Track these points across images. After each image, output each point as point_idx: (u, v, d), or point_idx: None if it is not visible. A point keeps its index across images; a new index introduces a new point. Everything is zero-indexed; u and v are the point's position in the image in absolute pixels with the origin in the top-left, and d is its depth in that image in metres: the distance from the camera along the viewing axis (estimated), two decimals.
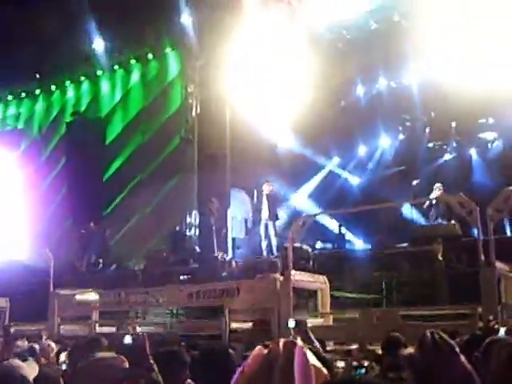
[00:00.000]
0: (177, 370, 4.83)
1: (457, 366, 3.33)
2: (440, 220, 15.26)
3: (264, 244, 15.76)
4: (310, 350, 2.80)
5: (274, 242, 15.62)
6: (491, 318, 6.46)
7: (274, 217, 15.97)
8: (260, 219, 16.07)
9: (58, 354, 7.43)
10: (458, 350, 3.42)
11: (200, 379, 4.69)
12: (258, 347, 2.55)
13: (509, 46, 14.76)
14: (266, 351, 2.52)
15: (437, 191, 15.43)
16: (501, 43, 14.78)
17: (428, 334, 3.51)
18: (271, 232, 15.78)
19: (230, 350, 4.91)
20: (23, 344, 8.83)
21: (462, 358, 3.37)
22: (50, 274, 12.51)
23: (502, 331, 5.95)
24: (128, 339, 5.39)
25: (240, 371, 2.50)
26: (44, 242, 16.96)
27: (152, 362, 4.81)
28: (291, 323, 7.74)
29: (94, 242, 18.79)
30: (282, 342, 2.53)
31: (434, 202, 15.41)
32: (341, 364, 6.21)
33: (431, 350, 3.44)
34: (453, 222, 14.02)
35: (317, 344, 6.72)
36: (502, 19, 14.74)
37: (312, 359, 2.60)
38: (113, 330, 10.23)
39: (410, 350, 4.90)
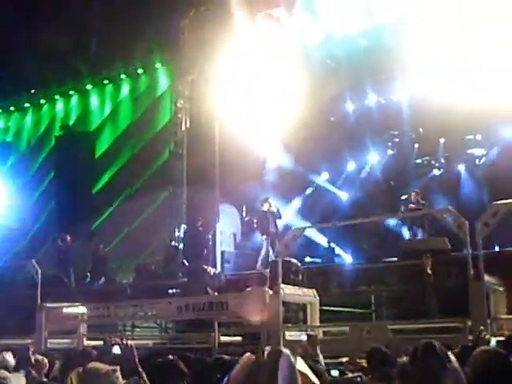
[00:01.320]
0: (174, 380, 4.82)
1: (448, 376, 3.32)
2: (415, 228, 15.48)
3: (260, 258, 15.83)
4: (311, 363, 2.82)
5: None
6: (482, 328, 6.46)
7: (275, 232, 16.09)
8: (249, 233, 16.14)
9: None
10: (451, 360, 3.40)
11: None
12: (246, 355, 2.57)
13: (495, 63, 14.93)
14: (252, 359, 2.54)
15: (412, 197, 15.73)
16: (488, 60, 14.94)
17: (422, 345, 3.51)
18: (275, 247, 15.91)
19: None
20: (9, 357, 8.72)
21: (455, 367, 3.35)
22: (36, 287, 12.39)
23: (494, 342, 5.96)
24: (117, 349, 5.39)
25: (227, 378, 2.52)
26: (31, 254, 16.85)
27: (141, 370, 4.82)
28: (303, 337, 7.78)
29: (74, 255, 18.68)
30: (267, 350, 2.55)
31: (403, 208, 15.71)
32: (335, 373, 6.22)
33: (424, 361, 3.43)
34: (420, 232, 14.33)
35: (321, 357, 6.78)
36: (487, 39, 14.93)
37: (302, 367, 2.61)
38: (101, 343, 10.15)
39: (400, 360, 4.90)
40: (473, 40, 14.99)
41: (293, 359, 2.52)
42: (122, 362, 5.00)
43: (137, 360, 4.96)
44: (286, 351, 2.56)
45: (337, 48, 18.15)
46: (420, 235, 15.49)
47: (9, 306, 14.12)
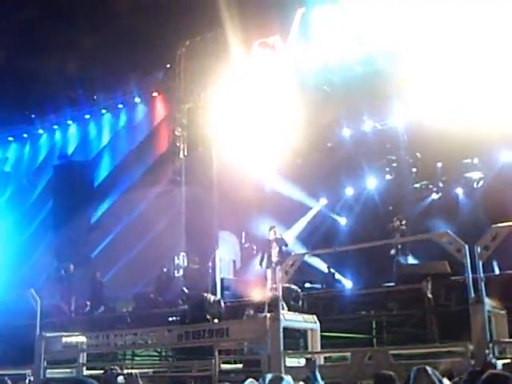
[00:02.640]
0: None
1: None
2: (400, 255, 15.55)
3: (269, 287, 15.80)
4: None
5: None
6: (488, 352, 6.41)
7: (282, 261, 16.06)
8: (249, 260, 16.12)
9: None
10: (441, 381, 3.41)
11: None
12: (248, 380, 2.60)
13: (492, 86, 15.05)
14: None
15: (396, 222, 15.84)
16: (484, 84, 15.06)
17: (415, 370, 3.52)
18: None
19: None
20: None
21: None
22: (35, 317, 12.30)
23: (499, 365, 5.94)
24: (121, 379, 5.37)
25: None
26: (30, 284, 16.77)
27: None
28: (302, 361, 7.72)
29: (76, 284, 18.61)
30: (268, 376, 2.59)
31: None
32: None
33: None
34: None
35: (320, 381, 6.76)
36: (483, 61, 15.07)
37: None
38: (101, 372, 10.06)
39: None
40: (469, 64, 15.12)
41: None
42: None
43: None
44: (287, 377, 2.59)
45: (333, 74, 18.28)
46: (405, 261, 15.60)
47: (8, 335, 14.04)
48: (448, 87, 15.72)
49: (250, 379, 2.62)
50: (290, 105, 17.66)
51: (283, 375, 2.61)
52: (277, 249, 16.44)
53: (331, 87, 18.29)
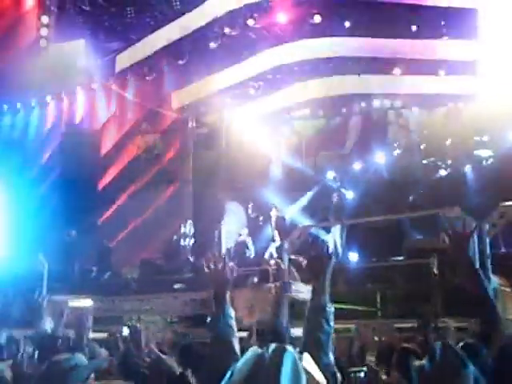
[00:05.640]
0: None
1: (466, 375, 3.31)
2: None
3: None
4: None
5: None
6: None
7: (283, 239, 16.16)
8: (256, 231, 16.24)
9: None
10: (467, 359, 3.39)
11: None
12: (252, 348, 2.57)
13: (503, 62, 14.94)
14: (257, 353, 2.54)
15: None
16: (495, 60, 14.94)
17: (439, 345, 3.49)
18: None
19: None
20: None
21: (472, 367, 3.34)
22: (42, 280, 12.41)
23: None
24: (126, 330, 5.41)
25: (232, 370, 2.52)
26: (38, 249, 16.86)
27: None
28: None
29: (80, 249, 18.67)
30: (272, 345, 2.55)
31: None
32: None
33: (443, 360, 3.41)
34: None
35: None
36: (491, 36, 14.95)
37: (310, 367, 2.61)
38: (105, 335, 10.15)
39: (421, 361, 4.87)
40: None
41: (297, 356, 2.52)
42: (128, 343, 5.04)
43: (143, 343, 4.96)
44: (291, 348, 2.56)
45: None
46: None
47: (15, 298, 14.15)
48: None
49: (255, 347, 2.62)
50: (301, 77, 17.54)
51: (287, 346, 2.59)
52: (278, 228, 16.56)
53: (343, 60, 18.15)
